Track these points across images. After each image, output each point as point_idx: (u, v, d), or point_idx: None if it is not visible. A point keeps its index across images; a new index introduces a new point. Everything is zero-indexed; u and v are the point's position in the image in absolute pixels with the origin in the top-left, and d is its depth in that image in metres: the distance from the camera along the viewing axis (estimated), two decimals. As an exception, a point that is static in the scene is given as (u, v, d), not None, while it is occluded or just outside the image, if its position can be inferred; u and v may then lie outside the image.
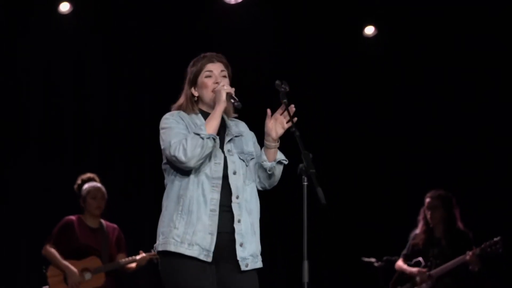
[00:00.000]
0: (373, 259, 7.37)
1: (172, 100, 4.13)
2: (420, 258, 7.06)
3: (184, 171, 3.89)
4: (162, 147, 3.95)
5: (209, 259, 3.83)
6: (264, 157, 3.99)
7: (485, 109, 8.17)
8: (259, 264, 4.00)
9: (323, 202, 3.74)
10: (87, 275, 6.55)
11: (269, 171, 3.98)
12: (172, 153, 3.83)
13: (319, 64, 8.53)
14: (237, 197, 3.92)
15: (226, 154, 3.96)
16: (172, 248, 3.83)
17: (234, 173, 3.95)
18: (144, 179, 8.23)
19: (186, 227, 3.83)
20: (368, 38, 8.57)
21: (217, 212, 3.85)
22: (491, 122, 8.17)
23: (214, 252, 3.85)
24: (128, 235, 6.93)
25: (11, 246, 7.71)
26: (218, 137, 3.91)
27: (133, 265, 6.70)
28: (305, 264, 3.84)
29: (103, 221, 6.80)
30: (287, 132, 3.93)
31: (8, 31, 7.85)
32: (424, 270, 6.97)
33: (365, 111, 8.61)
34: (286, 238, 7.95)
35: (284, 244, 8.07)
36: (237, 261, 3.90)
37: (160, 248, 3.90)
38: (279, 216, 8.07)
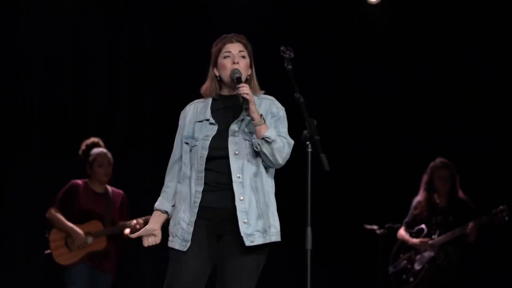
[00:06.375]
0: (375, 227, 7.39)
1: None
2: (423, 225, 7.07)
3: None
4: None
5: (185, 249, 3.96)
6: (255, 135, 4.00)
7: (490, 75, 8.13)
8: (274, 238, 4.02)
9: (327, 169, 3.77)
10: (89, 239, 6.57)
11: (255, 148, 3.97)
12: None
13: (323, 31, 8.49)
14: (238, 177, 3.95)
15: (230, 135, 3.99)
16: (168, 242, 4.07)
17: (236, 153, 3.97)
18: (145, 144, 8.23)
19: (173, 221, 4.05)
20: (372, 5, 8.51)
21: (197, 205, 3.97)
22: (494, 90, 8.13)
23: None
24: (129, 201, 6.93)
25: (12, 211, 7.72)
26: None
27: (127, 231, 6.66)
28: (309, 231, 3.87)
29: (108, 186, 6.80)
30: (292, 99, 3.91)
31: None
32: (426, 240, 6.98)
33: (368, 78, 8.56)
34: (289, 204, 7.93)
35: (287, 211, 8.06)
36: (241, 236, 3.94)
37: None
38: (282, 182, 8.04)
